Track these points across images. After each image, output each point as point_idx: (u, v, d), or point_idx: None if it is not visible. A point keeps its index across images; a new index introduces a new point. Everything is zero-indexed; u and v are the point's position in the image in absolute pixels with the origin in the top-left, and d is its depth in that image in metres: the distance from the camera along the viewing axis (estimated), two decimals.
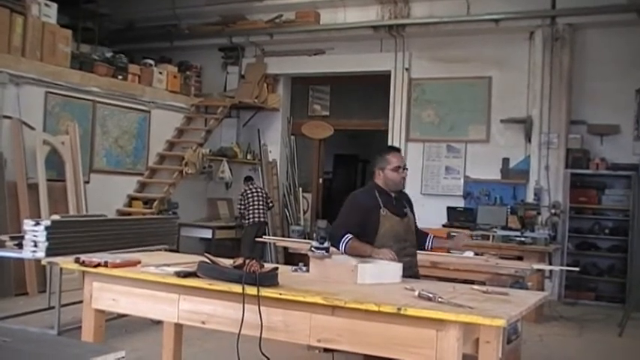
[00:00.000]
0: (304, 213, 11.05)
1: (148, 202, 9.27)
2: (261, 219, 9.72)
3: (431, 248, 4.20)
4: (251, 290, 3.01)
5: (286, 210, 10.98)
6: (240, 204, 9.86)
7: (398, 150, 4.17)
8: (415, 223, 4.07)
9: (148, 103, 9.72)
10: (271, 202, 10.12)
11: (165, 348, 4.19)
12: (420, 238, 4.10)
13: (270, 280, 3.10)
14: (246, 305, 3.04)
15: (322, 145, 11.43)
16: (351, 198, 4.06)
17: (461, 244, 4.43)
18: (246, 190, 9.82)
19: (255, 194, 9.76)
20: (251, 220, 9.65)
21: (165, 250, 5.90)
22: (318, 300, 2.91)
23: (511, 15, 9.07)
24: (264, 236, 9.12)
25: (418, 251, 4.10)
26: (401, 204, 3.99)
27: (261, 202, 9.73)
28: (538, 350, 5.95)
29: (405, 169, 3.98)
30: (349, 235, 3.76)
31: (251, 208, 9.67)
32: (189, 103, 10.53)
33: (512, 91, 9.26)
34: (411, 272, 3.74)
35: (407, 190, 4.25)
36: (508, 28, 9.21)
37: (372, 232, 3.81)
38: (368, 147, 13.42)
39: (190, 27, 11.33)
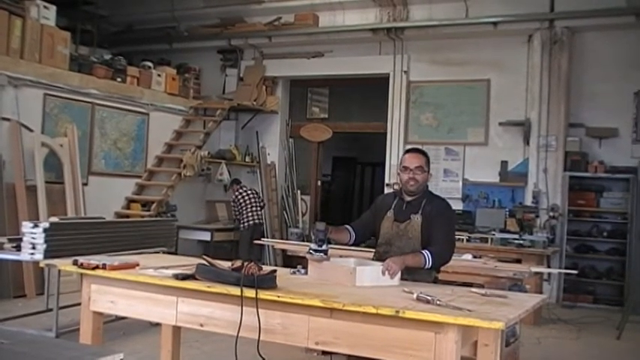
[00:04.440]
0: (303, 215, 11.04)
1: (146, 205, 9.26)
2: (256, 221, 9.69)
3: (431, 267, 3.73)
4: (249, 293, 3.01)
5: (285, 212, 10.98)
6: (234, 209, 9.84)
7: (413, 150, 4.04)
8: (428, 233, 3.73)
9: (147, 106, 9.71)
10: (262, 201, 10.09)
11: (164, 350, 4.18)
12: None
13: (268, 282, 3.09)
14: (244, 308, 3.03)
15: (321, 147, 11.43)
16: None
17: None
18: (237, 196, 9.77)
19: (246, 197, 9.72)
20: (246, 223, 9.62)
21: (164, 252, 5.90)
22: (317, 302, 2.91)
23: (509, 18, 9.09)
24: (262, 239, 9.11)
25: None
26: (411, 210, 3.83)
27: (254, 204, 9.71)
28: (536, 353, 5.94)
29: (413, 169, 3.82)
30: (347, 225, 4.03)
31: (245, 211, 9.64)
32: (187, 105, 10.53)
33: (511, 94, 9.27)
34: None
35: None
36: (506, 31, 9.23)
37: (378, 231, 3.93)
38: (366, 150, 13.46)
39: (189, 29, 11.34)
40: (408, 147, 4.11)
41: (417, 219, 3.79)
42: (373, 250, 4.05)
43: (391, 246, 3.81)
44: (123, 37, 11.55)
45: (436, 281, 3.86)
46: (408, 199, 3.89)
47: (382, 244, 3.87)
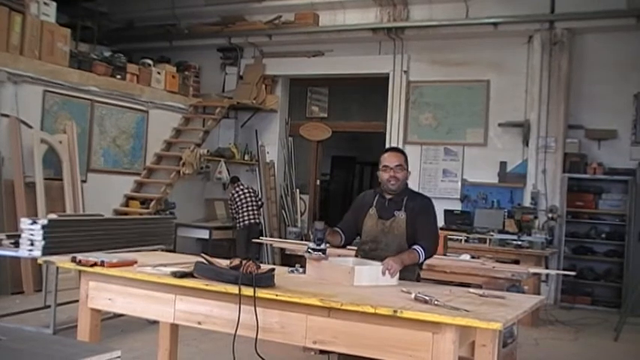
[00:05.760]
0: (301, 214, 11.03)
1: (145, 202, 9.26)
2: (252, 221, 9.58)
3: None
4: (247, 291, 3.00)
5: (283, 211, 10.97)
6: (231, 208, 9.79)
7: (392, 150, 4.10)
8: (413, 230, 3.77)
9: (146, 103, 9.71)
10: (260, 200, 10.04)
11: (161, 348, 4.18)
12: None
13: (266, 281, 3.09)
14: (242, 306, 3.03)
15: (320, 146, 11.43)
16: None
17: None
18: (233, 194, 9.69)
19: (243, 196, 9.62)
20: (242, 223, 9.54)
21: (162, 250, 5.89)
22: (315, 301, 2.91)
23: (510, 19, 9.10)
24: (261, 237, 9.09)
25: None
26: (394, 207, 3.84)
27: (250, 204, 9.62)
28: (534, 354, 5.95)
29: (393, 168, 3.81)
30: (337, 227, 3.98)
31: (241, 210, 9.55)
32: (187, 103, 10.52)
33: (511, 95, 9.27)
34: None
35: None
36: (507, 32, 9.23)
37: (361, 229, 3.94)
38: (366, 149, 13.45)
39: (189, 27, 11.33)
40: (387, 147, 4.09)
41: (401, 216, 3.82)
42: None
43: (378, 243, 3.84)
44: (123, 35, 11.55)
45: (419, 279, 3.91)
46: (389, 196, 3.91)
47: (367, 242, 3.89)
